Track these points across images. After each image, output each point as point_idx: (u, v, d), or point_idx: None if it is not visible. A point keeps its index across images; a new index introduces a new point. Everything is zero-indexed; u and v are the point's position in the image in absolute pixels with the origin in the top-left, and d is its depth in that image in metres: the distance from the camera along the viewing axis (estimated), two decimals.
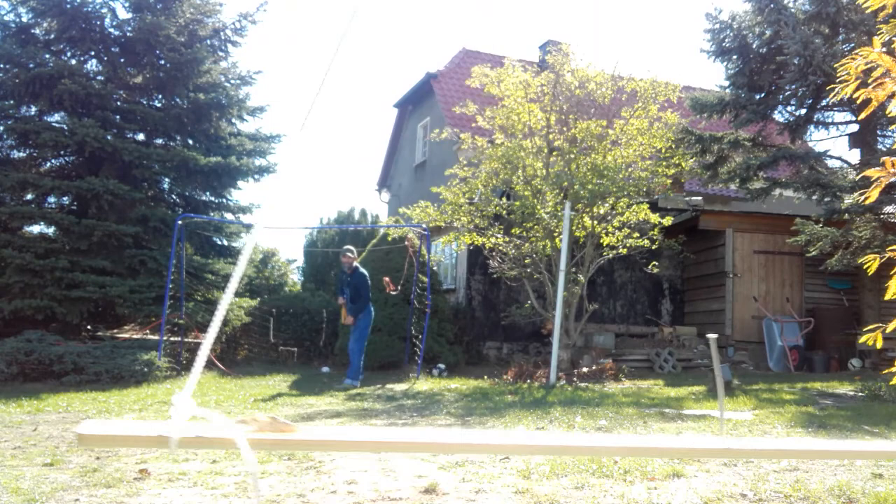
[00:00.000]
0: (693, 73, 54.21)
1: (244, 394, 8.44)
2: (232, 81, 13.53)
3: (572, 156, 10.35)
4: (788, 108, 13.02)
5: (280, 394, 8.57)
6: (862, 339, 2.63)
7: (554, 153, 10.71)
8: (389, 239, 11.81)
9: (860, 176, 4.75)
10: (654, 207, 11.40)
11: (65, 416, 6.59)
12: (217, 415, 1.08)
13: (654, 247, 10.46)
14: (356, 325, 9.61)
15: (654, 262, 11.35)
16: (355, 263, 9.72)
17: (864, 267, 2.69)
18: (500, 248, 10.91)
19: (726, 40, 12.68)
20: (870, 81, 2.30)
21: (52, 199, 12.48)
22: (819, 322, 12.38)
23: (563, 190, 10.17)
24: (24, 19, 12.49)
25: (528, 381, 9.29)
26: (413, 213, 11.03)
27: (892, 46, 2.44)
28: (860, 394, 7.97)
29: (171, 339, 11.03)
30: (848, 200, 11.10)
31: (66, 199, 12.53)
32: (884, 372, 4.04)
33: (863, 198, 2.47)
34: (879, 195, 2.40)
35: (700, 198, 14.87)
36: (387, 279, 10.40)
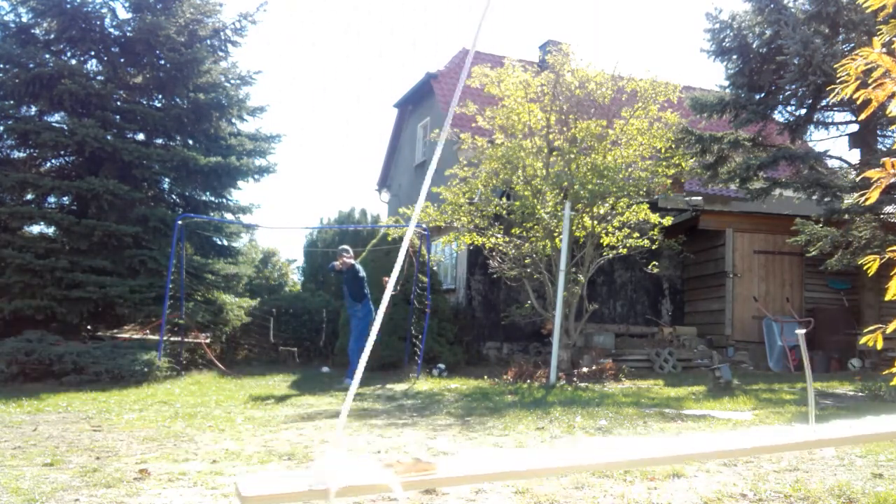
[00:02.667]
0: (693, 73, 54.21)
1: (244, 394, 8.44)
2: (232, 81, 13.53)
3: (572, 156, 10.35)
4: (788, 108, 13.02)
5: (280, 394, 8.57)
6: (862, 340, 2.63)
7: (554, 153, 10.71)
8: (389, 239, 11.81)
9: (860, 177, 4.75)
10: (654, 207, 11.39)
11: (65, 416, 6.59)
12: (366, 460, 1.13)
13: (654, 247, 10.46)
14: (356, 324, 9.62)
15: (654, 262, 11.35)
16: (350, 261, 9.66)
17: (865, 268, 2.69)
18: (500, 248, 10.91)
19: (726, 40, 12.68)
20: (870, 82, 2.30)
21: (52, 199, 12.48)
22: (819, 322, 12.37)
23: (563, 190, 10.17)
24: (24, 19, 12.50)
25: (528, 381, 9.29)
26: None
27: (893, 47, 2.44)
28: (860, 394, 7.96)
29: (171, 339, 11.03)
30: (848, 200, 11.10)
31: (66, 199, 12.53)
32: (884, 372, 4.04)
33: (863, 199, 2.47)
34: (879, 195, 2.40)
35: (700, 198, 14.87)
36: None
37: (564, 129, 10.81)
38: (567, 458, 1.42)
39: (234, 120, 13.77)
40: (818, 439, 1.77)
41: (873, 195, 2.38)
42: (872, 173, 2.28)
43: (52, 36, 12.53)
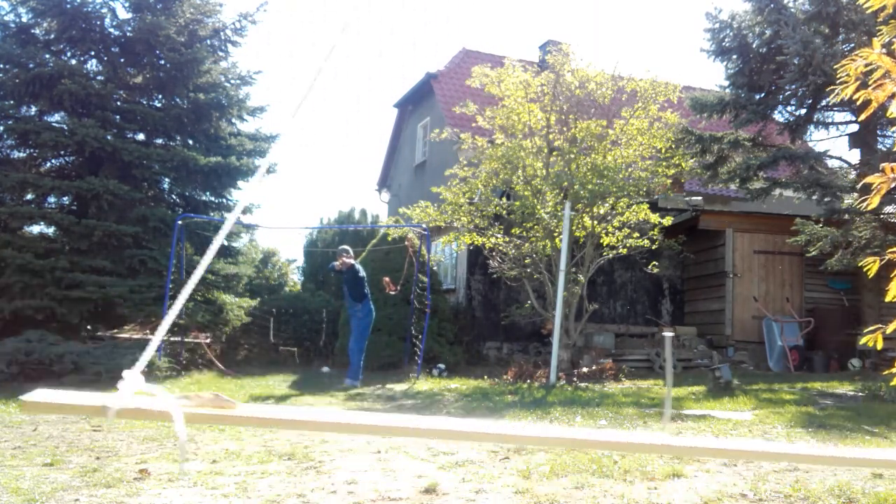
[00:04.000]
0: (693, 73, 54.21)
1: (244, 394, 8.44)
2: (232, 81, 13.52)
3: (572, 156, 10.35)
4: (788, 108, 13.02)
5: (280, 394, 8.57)
6: (862, 340, 2.63)
7: (554, 153, 10.71)
8: (389, 239, 11.81)
9: (861, 184, 4.74)
10: (654, 207, 11.39)
11: (65, 416, 6.59)
12: (162, 390, 1.10)
13: (654, 247, 10.46)
14: (356, 325, 9.62)
15: (654, 262, 11.35)
16: (349, 261, 9.63)
17: (865, 269, 2.69)
18: (500, 248, 10.91)
19: (726, 40, 12.68)
20: (870, 83, 2.30)
21: (52, 199, 12.47)
22: (819, 322, 12.37)
23: (563, 190, 10.17)
24: (24, 19, 12.48)
25: (528, 381, 9.29)
26: (413, 213, 11.03)
27: (893, 48, 2.44)
28: (860, 394, 7.97)
29: (171, 339, 11.03)
30: (848, 200, 11.10)
31: (66, 199, 12.52)
32: (884, 372, 4.04)
33: (864, 204, 2.47)
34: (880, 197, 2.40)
35: (700, 198, 14.87)
36: (387, 279, 10.40)
37: (564, 129, 10.81)
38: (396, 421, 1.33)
39: (234, 120, 13.75)
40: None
41: (874, 200, 2.38)
42: (872, 179, 2.28)
43: (52, 36, 12.52)
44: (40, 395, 1.12)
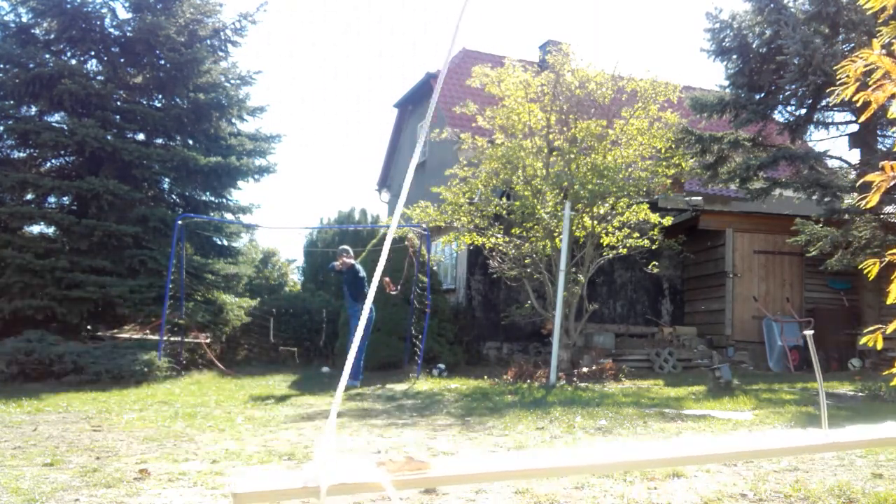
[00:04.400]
0: (693, 73, 54.19)
1: (244, 394, 8.44)
2: (232, 81, 13.53)
3: (572, 156, 10.35)
4: (788, 108, 13.01)
5: (280, 394, 8.57)
6: (862, 340, 2.63)
7: (554, 153, 10.71)
8: None
9: (860, 182, 4.74)
10: (654, 207, 11.39)
11: (65, 416, 6.60)
12: (356, 459, 1.12)
13: (654, 247, 10.46)
14: (356, 324, 9.61)
15: (654, 262, 11.35)
16: (349, 261, 9.61)
17: (865, 272, 2.69)
18: (500, 248, 10.91)
19: (726, 40, 12.67)
20: (870, 83, 2.30)
21: (52, 199, 12.48)
22: (819, 322, 12.37)
23: (563, 190, 10.17)
24: (24, 19, 12.49)
25: (528, 381, 9.29)
26: (413, 213, 11.03)
27: (893, 48, 2.44)
28: (860, 394, 7.97)
29: (171, 339, 11.03)
30: (848, 200, 11.09)
31: (66, 199, 12.53)
32: (884, 372, 4.04)
33: (864, 202, 2.47)
34: (880, 196, 2.40)
35: (700, 198, 14.87)
36: (387, 279, 10.39)
37: (564, 128, 10.81)
38: (563, 458, 1.42)
39: (234, 120, 13.77)
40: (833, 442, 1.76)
41: (874, 199, 2.38)
42: (872, 177, 2.28)
43: (52, 36, 12.52)
44: (251, 483, 1.13)
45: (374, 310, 9.77)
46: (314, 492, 1.08)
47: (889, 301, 2.33)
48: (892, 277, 2.34)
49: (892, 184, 2.24)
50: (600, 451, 1.34)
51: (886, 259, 2.49)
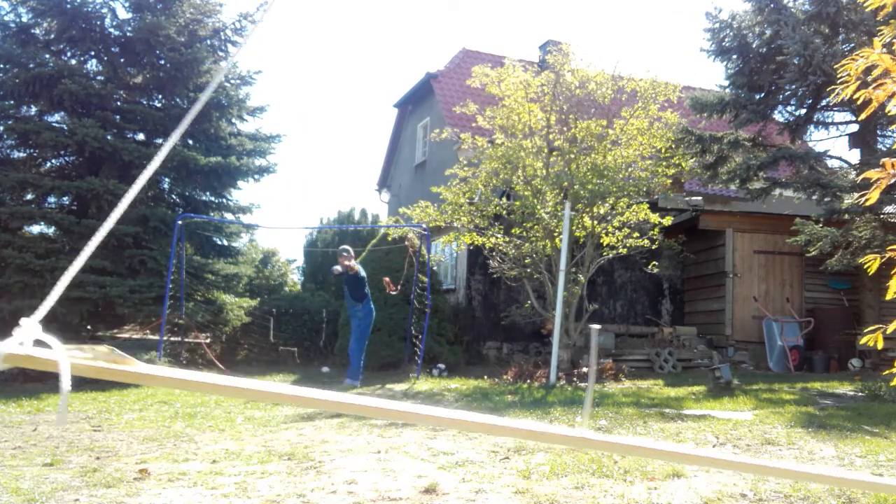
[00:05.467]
0: (693, 73, 54.19)
1: None
2: (232, 81, 13.52)
3: (572, 156, 10.35)
4: (788, 108, 13.02)
5: None
6: (862, 340, 2.63)
7: (554, 153, 10.70)
8: (389, 239, 11.81)
9: (861, 177, 4.74)
10: (654, 207, 11.39)
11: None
12: (58, 342, 1.07)
13: (654, 247, 10.46)
14: (357, 325, 9.61)
15: (654, 262, 11.35)
16: (351, 262, 9.60)
17: (865, 267, 2.69)
18: (500, 248, 10.90)
19: (726, 40, 12.68)
20: (870, 81, 2.30)
21: (52, 199, 12.47)
22: (819, 322, 12.37)
23: (563, 190, 10.17)
24: (24, 19, 12.49)
25: (528, 381, 9.29)
26: (413, 213, 11.03)
27: (894, 47, 2.44)
28: (860, 394, 7.97)
29: (171, 339, 11.03)
30: (848, 200, 11.10)
31: (66, 199, 12.53)
32: (884, 372, 4.04)
33: (863, 200, 2.47)
34: (879, 195, 2.40)
35: (700, 198, 14.87)
36: (387, 279, 10.40)
37: (564, 128, 10.81)
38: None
39: (234, 120, 13.76)
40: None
41: (873, 195, 2.38)
42: (872, 174, 2.28)
43: (52, 36, 12.52)
44: None
45: (373, 310, 9.77)
46: None
47: (888, 296, 2.33)
48: (892, 273, 2.34)
49: (892, 181, 2.24)
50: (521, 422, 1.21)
51: (887, 255, 2.49)
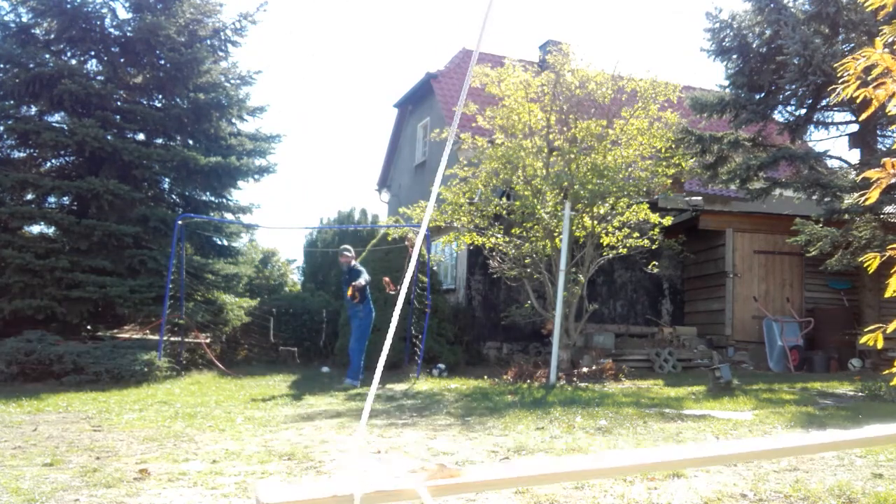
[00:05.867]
0: (693, 73, 54.18)
1: (244, 394, 8.44)
2: (232, 81, 13.52)
3: (572, 156, 10.35)
4: (788, 108, 13.02)
5: (280, 394, 8.57)
6: (862, 340, 2.63)
7: (554, 153, 10.71)
8: (389, 239, 11.81)
9: (861, 177, 4.75)
10: (654, 207, 11.40)
11: (65, 416, 6.59)
12: (386, 466, 1.09)
13: (654, 247, 10.46)
14: (357, 325, 9.62)
15: (654, 262, 11.35)
16: (353, 262, 9.77)
17: (865, 266, 2.69)
18: (500, 248, 10.90)
19: (726, 39, 12.68)
20: (870, 81, 2.30)
21: (52, 199, 12.47)
22: (819, 322, 12.37)
23: (563, 190, 10.17)
24: (24, 19, 12.49)
25: (528, 381, 9.29)
26: (413, 213, 11.03)
27: (895, 47, 2.44)
28: (860, 394, 7.96)
29: (171, 339, 11.03)
30: (848, 200, 11.10)
31: (66, 199, 12.52)
32: (884, 372, 4.04)
33: (863, 199, 2.47)
34: (879, 195, 2.40)
35: (700, 198, 14.87)
36: (387, 279, 10.39)
37: (564, 128, 10.81)
38: (580, 463, 1.41)
39: (234, 120, 13.76)
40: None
41: (873, 195, 2.38)
42: (872, 173, 2.28)
43: (52, 36, 12.52)
44: (278, 492, 1.06)
45: (373, 310, 9.77)
46: (347, 500, 1.04)
47: (887, 294, 2.33)
48: (892, 272, 2.34)
49: (892, 181, 2.24)
50: (627, 454, 1.35)
51: (887, 254, 2.49)
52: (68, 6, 12.14)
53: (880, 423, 5.74)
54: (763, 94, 12.67)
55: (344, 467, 1.03)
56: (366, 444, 5.05)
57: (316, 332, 13.57)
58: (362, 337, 9.52)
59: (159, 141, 13.11)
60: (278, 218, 54.63)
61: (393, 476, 1.09)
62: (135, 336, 11.98)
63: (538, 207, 9.96)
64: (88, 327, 12.03)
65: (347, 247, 9.93)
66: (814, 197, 11.73)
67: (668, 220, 10.99)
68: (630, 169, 10.67)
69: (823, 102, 12.05)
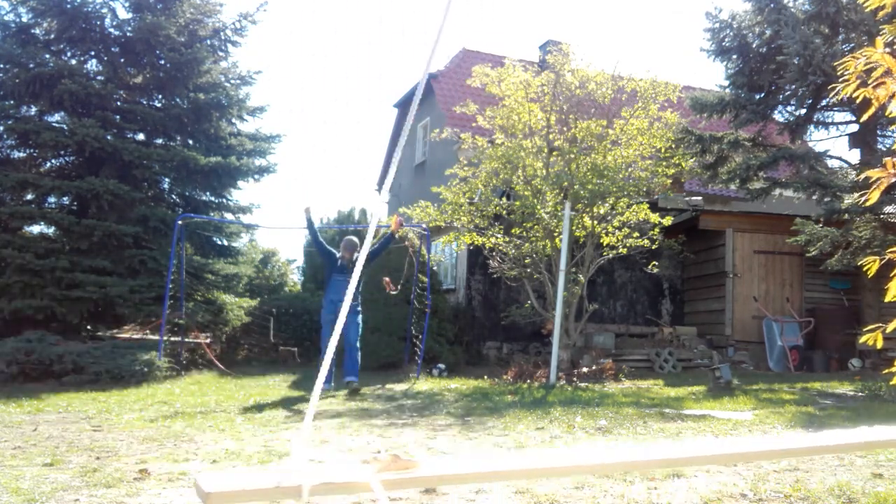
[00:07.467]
0: (693, 73, 54.20)
1: (244, 394, 8.43)
2: (232, 81, 13.53)
3: (572, 156, 10.35)
4: (788, 108, 13.02)
5: (280, 394, 8.57)
6: (862, 340, 2.63)
7: (554, 153, 10.70)
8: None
9: (861, 177, 4.75)
10: (654, 207, 11.39)
11: (65, 416, 6.59)
12: (336, 456, 1.06)
13: (654, 247, 10.46)
14: (356, 323, 9.60)
15: (654, 262, 11.35)
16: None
17: (864, 268, 2.69)
18: (500, 248, 10.90)
19: (726, 39, 12.68)
20: (870, 81, 2.30)
21: (52, 199, 12.47)
22: (819, 322, 12.37)
23: (563, 190, 10.16)
24: (24, 19, 12.49)
25: (528, 381, 9.29)
26: (413, 213, 11.02)
27: (895, 47, 2.44)
28: (860, 394, 7.96)
29: (171, 339, 11.02)
30: (848, 200, 11.10)
31: (66, 199, 12.53)
32: (884, 372, 4.04)
33: (863, 199, 2.47)
34: (880, 195, 2.40)
35: (700, 198, 14.87)
36: (387, 279, 10.39)
37: (564, 128, 10.81)
38: (558, 458, 1.37)
39: (234, 120, 13.76)
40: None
41: (873, 195, 2.38)
42: (873, 173, 2.28)
43: (52, 36, 12.52)
44: (221, 482, 1.00)
45: (361, 312, 9.71)
46: (294, 491, 0.99)
47: (888, 298, 2.33)
48: (892, 275, 2.34)
49: (892, 181, 2.24)
50: (597, 451, 1.31)
51: (886, 257, 2.49)
52: (68, 6, 12.14)
53: (881, 423, 5.74)
54: (763, 94, 12.67)
55: (292, 457, 0.99)
56: (363, 443, 5.06)
57: (316, 331, 13.55)
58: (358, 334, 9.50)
59: (159, 141, 13.12)
60: (278, 218, 54.64)
61: (344, 467, 1.06)
62: (135, 336, 11.98)
63: (538, 207, 9.96)
64: (88, 327, 12.03)
65: (353, 238, 9.93)
66: (814, 197, 11.73)
67: (668, 220, 10.99)
68: (630, 169, 10.66)
69: (823, 102, 12.05)
